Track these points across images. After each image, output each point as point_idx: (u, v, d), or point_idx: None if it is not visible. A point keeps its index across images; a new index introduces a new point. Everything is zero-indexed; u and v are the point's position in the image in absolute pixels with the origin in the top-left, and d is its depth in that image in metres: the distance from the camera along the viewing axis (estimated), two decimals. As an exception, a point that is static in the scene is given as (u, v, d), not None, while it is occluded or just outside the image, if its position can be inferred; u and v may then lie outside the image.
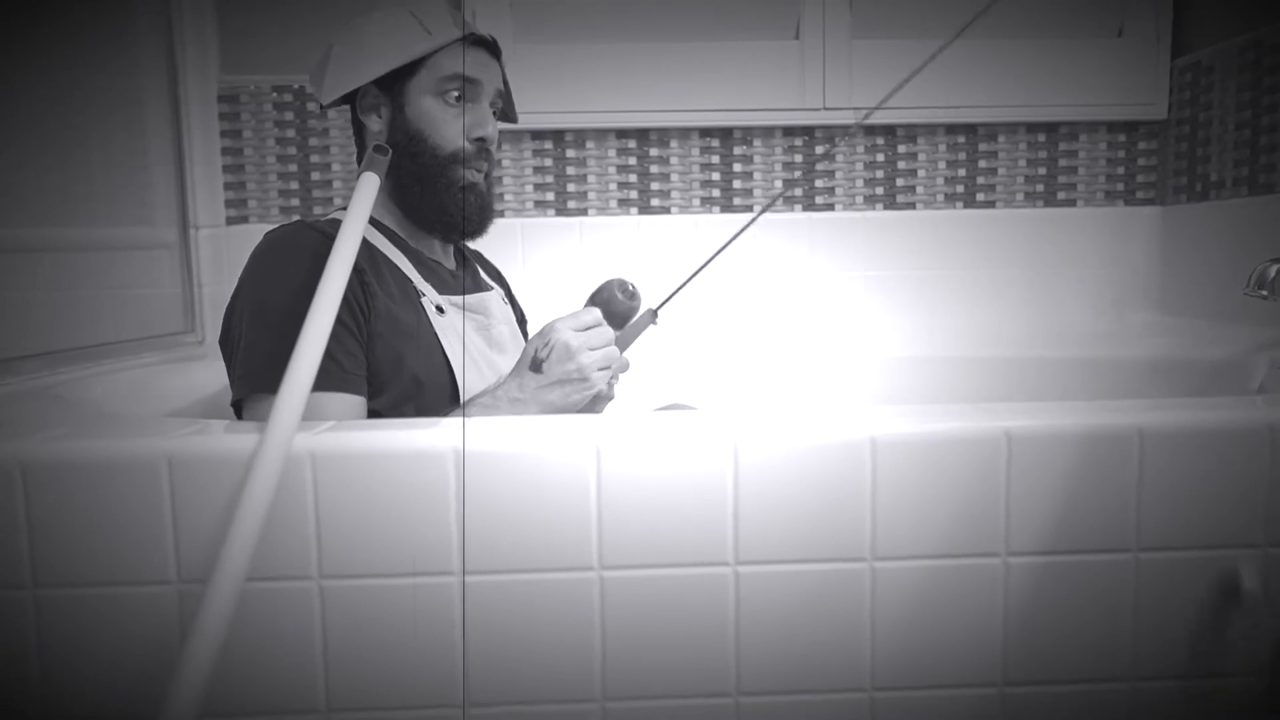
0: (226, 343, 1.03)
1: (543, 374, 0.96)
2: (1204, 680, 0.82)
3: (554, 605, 0.79)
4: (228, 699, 0.78)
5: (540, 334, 0.99)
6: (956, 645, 0.81)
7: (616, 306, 1.03)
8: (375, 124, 1.10)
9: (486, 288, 1.21)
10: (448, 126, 1.08)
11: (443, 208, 1.09)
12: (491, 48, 1.12)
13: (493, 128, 1.11)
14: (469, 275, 1.19)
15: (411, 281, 1.06)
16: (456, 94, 1.08)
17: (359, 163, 1.13)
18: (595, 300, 1.05)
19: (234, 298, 1.02)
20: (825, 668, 0.81)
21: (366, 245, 1.04)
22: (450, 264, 1.17)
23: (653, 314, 1.05)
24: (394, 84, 1.08)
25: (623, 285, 1.04)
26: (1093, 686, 0.82)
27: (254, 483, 0.71)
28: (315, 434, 0.77)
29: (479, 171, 1.10)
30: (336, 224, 1.00)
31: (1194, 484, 0.80)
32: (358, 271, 0.99)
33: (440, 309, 1.06)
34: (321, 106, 1.12)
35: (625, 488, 0.78)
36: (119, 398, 1.16)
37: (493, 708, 0.80)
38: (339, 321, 0.96)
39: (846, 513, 0.79)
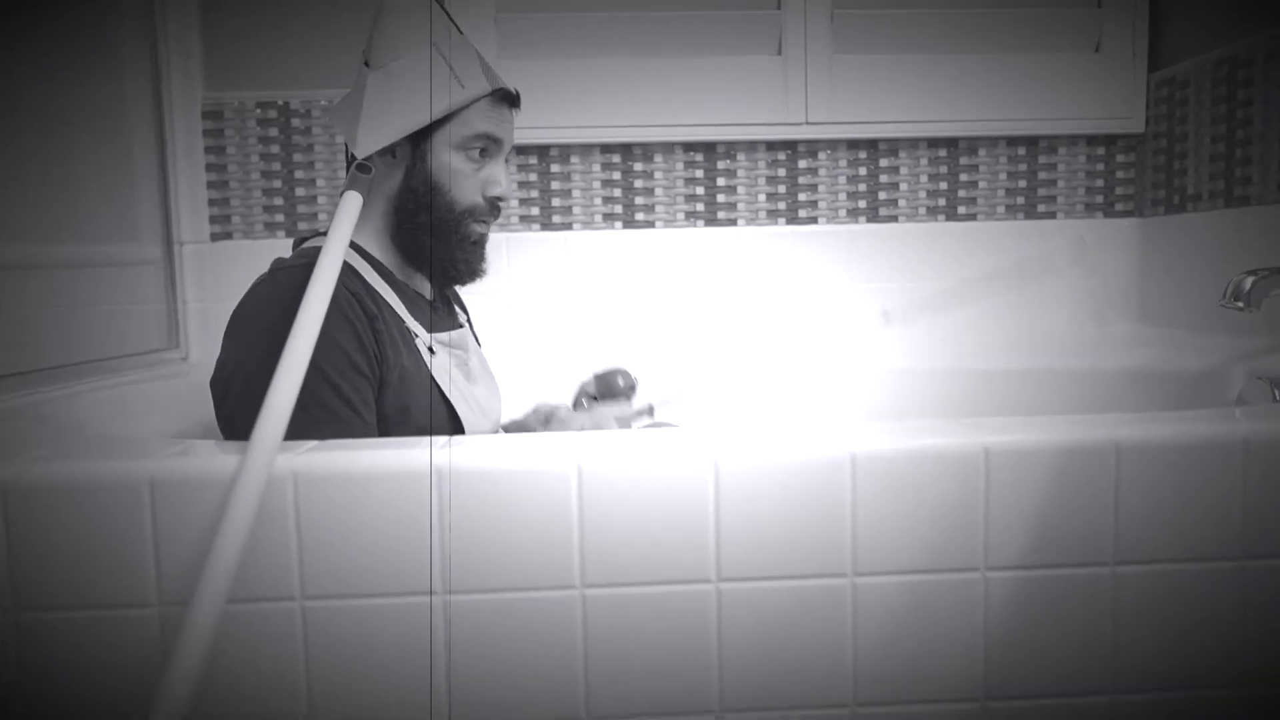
0: (222, 408, 1.00)
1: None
2: (1182, 692, 0.83)
3: (537, 624, 0.79)
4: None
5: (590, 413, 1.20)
6: (938, 659, 0.82)
7: (619, 393, 1.31)
8: (391, 165, 1.08)
9: (460, 322, 1.21)
10: (467, 181, 1.07)
11: (451, 259, 1.09)
12: (515, 102, 1.11)
13: (507, 185, 1.11)
14: (446, 309, 1.19)
15: (404, 322, 1.06)
16: (480, 150, 1.08)
17: None
18: (601, 383, 1.33)
19: (223, 365, 0.99)
20: (808, 683, 0.81)
21: (365, 284, 1.04)
22: (428, 294, 1.17)
23: (650, 410, 1.28)
24: (418, 132, 1.06)
25: (625, 375, 1.32)
26: (1073, 700, 0.82)
27: (236, 503, 0.71)
28: (297, 454, 0.78)
29: (486, 224, 1.11)
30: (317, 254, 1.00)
31: (1171, 497, 0.81)
32: (370, 319, 0.99)
33: (431, 349, 1.07)
34: (353, 157, 1.08)
35: (607, 505, 0.79)
36: (102, 416, 1.16)
37: (476, 726, 0.80)
38: (356, 370, 0.96)
39: (827, 529, 0.80)
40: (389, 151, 1.07)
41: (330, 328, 0.90)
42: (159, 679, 0.67)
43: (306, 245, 1.08)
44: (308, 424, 0.90)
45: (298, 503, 0.77)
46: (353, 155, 1.10)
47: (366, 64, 1.08)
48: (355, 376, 0.96)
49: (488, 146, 1.08)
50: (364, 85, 1.06)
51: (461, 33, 1.11)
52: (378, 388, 0.99)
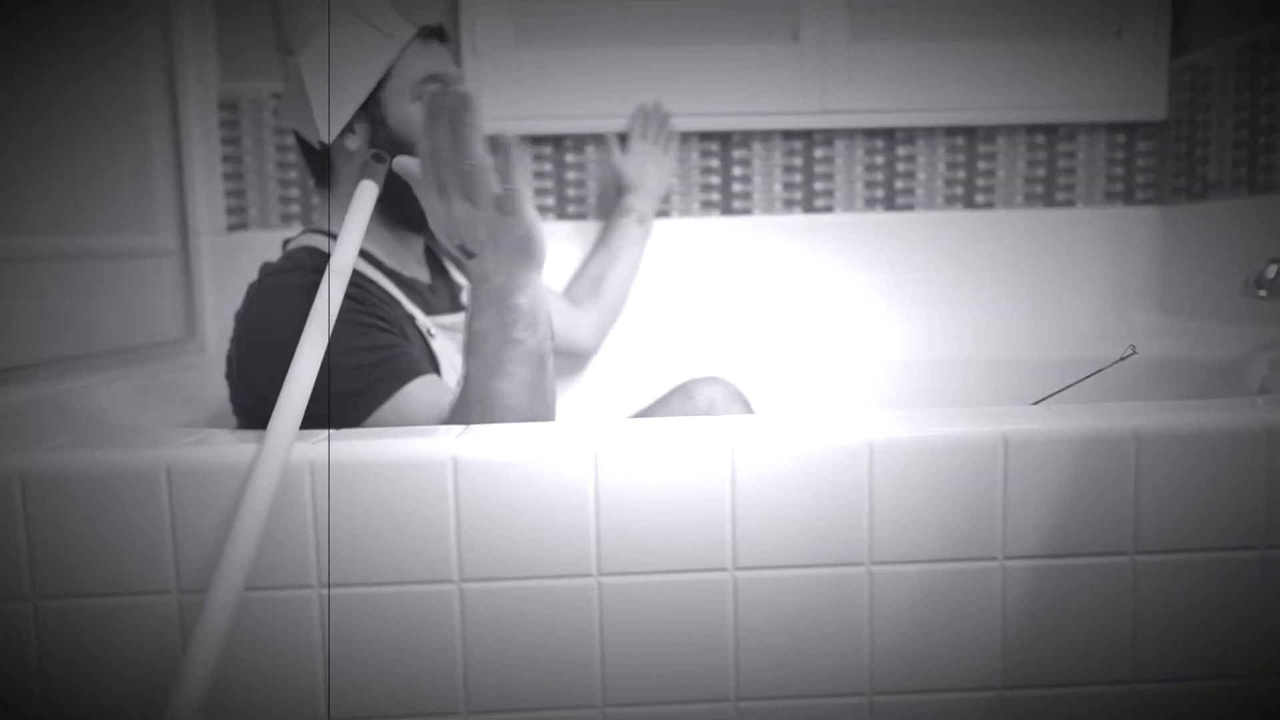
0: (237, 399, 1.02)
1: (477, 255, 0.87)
2: (1202, 682, 0.82)
3: (553, 612, 0.79)
4: (228, 708, 0.78)
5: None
6: (955, 649, 0.81)
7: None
8: (353, 143, 1.06)
9: (461, 305, 1.20)
10: None
11: None
12: (443, 36, 1.10)
13: None
14: (445, 291, 1.18)
15: (402, 305, 1.05)
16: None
17: (315, 181, 1.12)
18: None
19: (239, 388, 1.00)
20: (824, 672, 0.81)
21: (364, 278, 1.03)
22: (425, 278, 1.16)
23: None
24: (367, 102, 1.06)
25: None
26: (1092, 689, 0.82)
27: (253, 492, 0.72)
28: (314, 443, 0.78)
29: None
30: (310, 252, 1.00)
31: (1192, 486, 0.80)
32: (380, 303, 0.99)
33: (430, 333, 1.06)
34: (322, 145, 1.07)
35: (623, 494, 0.78)
36: (119, 407, 1.16)
37: (493, 715, 0.80)
38: (380, 329, 0.95)
39: (844, 517, 0.79)
40: (348, 129, 1.06)
41: (347, 314, 0.90)
42: (178, 666, 0.67)
43: (295, 245, 1.07)
44: (363, 394, 0.90)
45: (314, 491, 0.77)
46: (314, 146, 1.08)
47: (290, 53, 1.07)
48: (379, 334, 0.96)
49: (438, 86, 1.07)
50: (299, 74, 1.05)
51: None
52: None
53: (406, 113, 1.06)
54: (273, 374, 0.85)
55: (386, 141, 1.05)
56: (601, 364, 1.71)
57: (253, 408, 0.99)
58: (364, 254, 1.07)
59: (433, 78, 1.06)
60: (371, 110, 1.05)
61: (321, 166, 1.10)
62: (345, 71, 1.04)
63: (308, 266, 0.97)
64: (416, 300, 1.08)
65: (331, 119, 1.05)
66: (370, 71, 1.04)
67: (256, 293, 1.01)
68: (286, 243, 1.11)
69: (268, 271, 1.03)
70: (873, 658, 0.81)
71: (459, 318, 1.13)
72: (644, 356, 1.72)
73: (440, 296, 1.15)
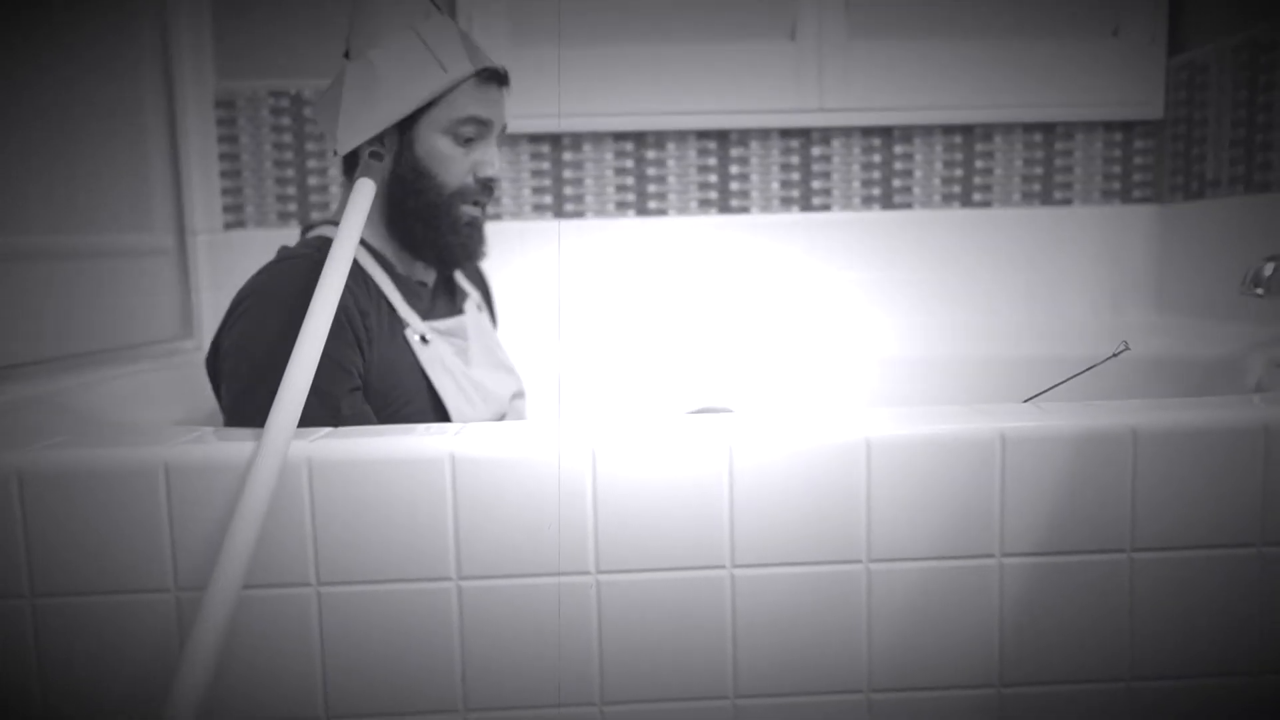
0: (215, 386, 1.02)
1: None
2: (1199, 680, 0.82)
3: (552, 609, 0.79)
4: (227, 706, 0.78)
5: None
6: (953, 646, 0.81)
7: None
8: (380, 155, 1.07)
9: (460, 309, 1.20)
10: (455, 164, 1.05)
11: (444, 244, 1.08)
12: (503, 80, 1.09)
13: (498, 166, 1.09)
14: (446, 295, 1.18)
15: (396, 311, 1.05)
16: (468, 135, 1.06)
17: (345, 175, 1.12)
18: None
19: (227, 353, 0.99)
20: (822, 669, 0.81)
21: (364, 275, 1.03)
22: (429, 281, 1.16)
23: None
24: (404, 120, 1.05)
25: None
26: (1089, 686, 0.82)
27: (250, 489, 0.72)
28: (311, 441, 0.78)
29: (479, 206, 1.10)
30: (326, 242, 1.00)
31: (1188, 484, 0.81)
32: (362, 315, 0.98)
33: (424, 338, 1.06)
34: (335, 153, 1.07)
35: (622, 492, 0.78)
36: (117, 405, 1.16)
37: (491, 712, 0.80)
38: (342, 368, 0.95)
39: (842, 515, 0.79)
40: (378, 140, 1.05)
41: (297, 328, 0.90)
42: (176, 663, 0.67)
43: (313, 234, 1.08)
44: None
45: (312, 488, 0.77)
46: (358, 153, 1.09)
47: (347, 55, 1.07)
48: (338, 372, 0.95)
49: (477, 129, 1.06)
50: (342, 78, 1.05)
51: (441, 11, 1.07)
52: (362, 377, 0.99)
53: (433, 144, 1.04)
54: (245, 336, 0.89)
55: (410, 165, 1.05)
56: (599, 365, 1.71)
57: (216, 370, 0.99)
58: (371, 251, 1.07)
59: (472, 119, 1.05)
60: (405, 132, 1.04)
61: (351, 166, 1.11)
62: (384, 90, 1.02)
63: (319, 258, 0.97)
64: (415, 304, 1.08)
65: (355, 134, 1.03)
66: (410, 97, 1.02)
67: (267, 266, 1.02)
68: (306, 231, 1.12)
69: (284, 255, 1.03)
70: (870, 655, 0.81)
71: (455, 321, 1.13)
72: (640, 355, 1.72)
73: (441, 300, 1.15)
